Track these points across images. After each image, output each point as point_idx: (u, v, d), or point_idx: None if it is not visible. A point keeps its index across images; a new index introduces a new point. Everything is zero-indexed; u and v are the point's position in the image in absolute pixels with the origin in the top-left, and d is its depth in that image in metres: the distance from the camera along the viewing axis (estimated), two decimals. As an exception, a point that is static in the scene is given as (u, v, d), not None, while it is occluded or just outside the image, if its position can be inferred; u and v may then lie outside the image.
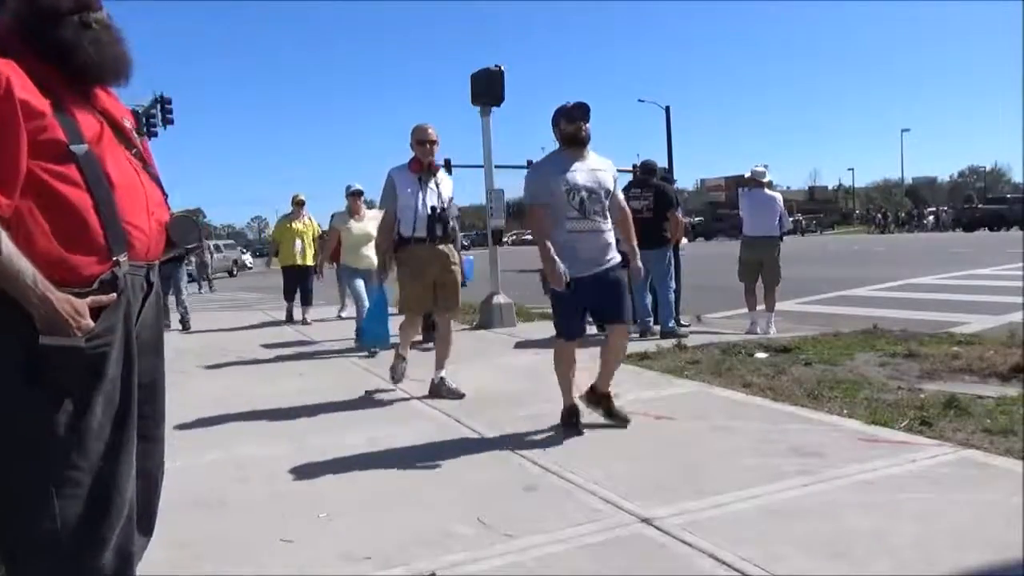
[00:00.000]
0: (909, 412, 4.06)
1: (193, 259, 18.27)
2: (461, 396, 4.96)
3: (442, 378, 5.16)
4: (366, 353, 6.82)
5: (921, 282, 12.44)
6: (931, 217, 48.47)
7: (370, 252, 6.94)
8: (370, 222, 7.07)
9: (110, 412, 1.71)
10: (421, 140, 5.15)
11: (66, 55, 1.68)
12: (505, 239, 11.50)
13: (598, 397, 4.24)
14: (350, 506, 3.14)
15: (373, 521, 2.96)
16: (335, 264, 10.11)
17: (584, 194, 4.03)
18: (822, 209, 66.19)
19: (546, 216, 4.05)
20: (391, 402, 5.15)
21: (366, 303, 6.88)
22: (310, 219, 10.72)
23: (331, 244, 7.50)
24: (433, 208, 5.07)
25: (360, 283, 7.33)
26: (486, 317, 8.94)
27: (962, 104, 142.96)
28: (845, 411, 4.21)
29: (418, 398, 5.15)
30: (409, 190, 5.07)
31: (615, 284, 4.12)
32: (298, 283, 10.37)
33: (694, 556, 2.52)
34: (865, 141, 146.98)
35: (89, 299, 1.64)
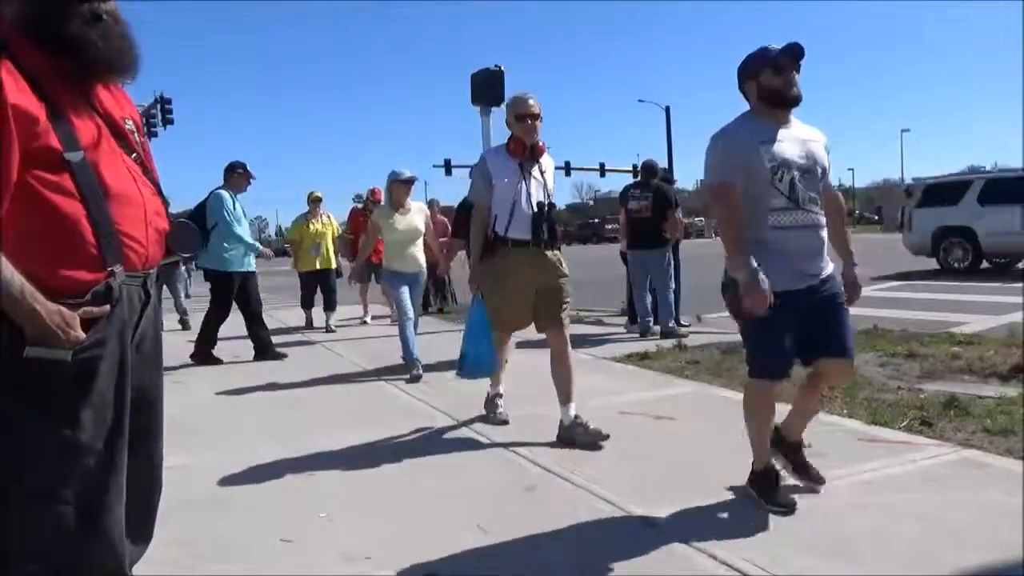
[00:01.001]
0: (909, 412, 4.06)
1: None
2: (605, 438, 3.73)
3: (574, 418, 3.84)
4: (410, 376, 5.77)
5: (921, 282, 12.44)
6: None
7: (418, 252, 6.04)
8: (416, 215, 6.01)
9: (101, 427, 1.66)
10: (522, 114, 3.94)
11: (73, 50, 1.62)
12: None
13: (786, 445, 3.15)
14: (350, 506, 3.14)
15: (373, 521, 2.96)
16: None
17: (796, 174, 2.82)
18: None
19: (739, 201, 2.82)
20: (391, 402, 5.15)
21: (410, 313, 5.94)
22: (329, 217, 9.82)
23: (372, 242, 6.25)
24: (540, 204, 3.97)
25: (406, 291, 6.00)
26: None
27: (962, 104, 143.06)
28: (845, 411, 4.21)
29: (418, 397, 5.15)
30: (507, 179, 3.97)
31: (834, 303, 3.01)
32: (319, 287, 9.57)
33: (694, 556, 2.52)
34: (865, 141, 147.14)
35: (81, 310, 1.60)
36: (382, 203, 6.31)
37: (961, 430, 3.74)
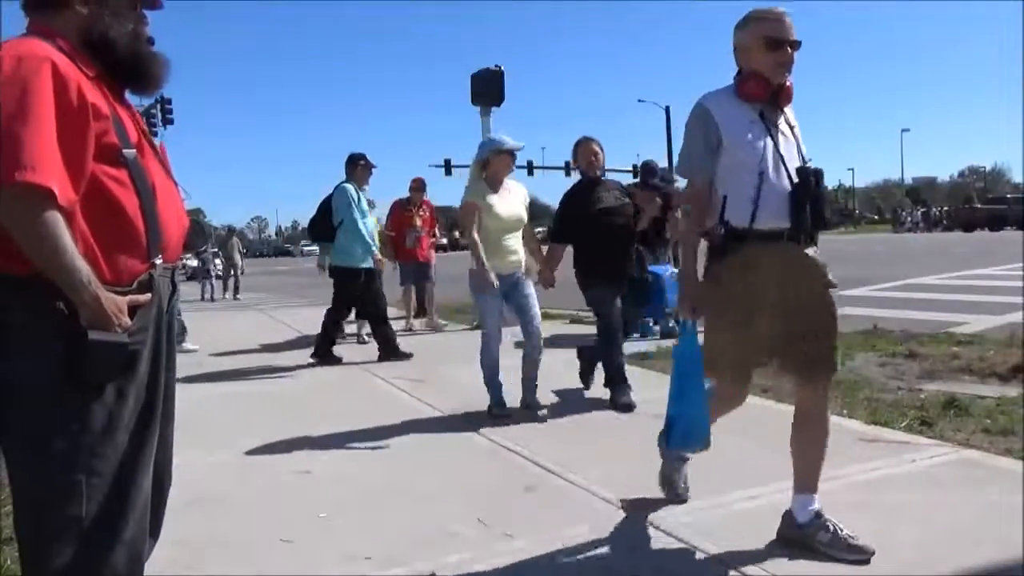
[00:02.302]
0: (909, 412, 4.06)
1: (206, 262, 17.59)
2: (867, 557, 2.44)
3: (815, 515, 2.54)
4: (490, 413, 4.59)
5: (921, 282, 12.43)
6: (914, 217, 48.00)
7: (520, 247, 4.66)
8: (518, 198, 4.70)
9: (137, 408, 1.76)
10: (776, 38, 2.56)
11: (126, 63, 1.78)
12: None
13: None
14: (350, 506, 3.14)
15: (373, 521, 2.96)
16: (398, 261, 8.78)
17: None
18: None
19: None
20: (392, 402, 5.15)
21: (499, 335, 4.58)
22: None
23: (468, 226, 4.57)
24: (804, 172, 2.55)
25: (499, 303, 4.56)
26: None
27: (962, 104, 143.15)
28: (845, 411, 4.21)
29: (418, 397, 5.15)
30: (749, 135, 2.54)
31: None
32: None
33: (694, 556, 2.52)
34: (865, 141, 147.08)
35: (128, 298, 1.69)
36: (474, 180, 4.65)
37: (961, 430, 3.74)
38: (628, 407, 4.58)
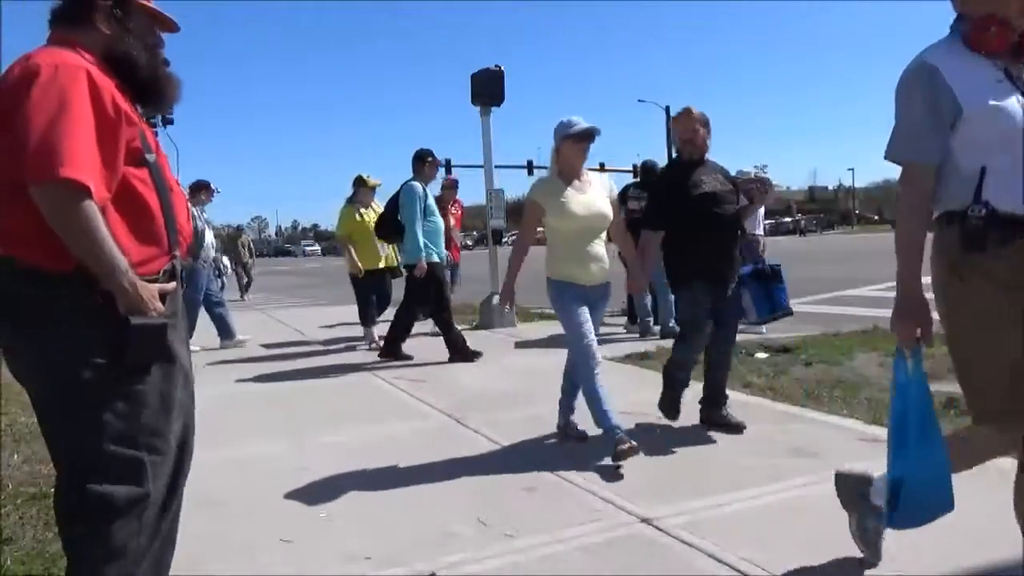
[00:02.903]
0: (909, 412, 4.05)
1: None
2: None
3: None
4: (616, 452, 3.45)
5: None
6: None
7: (602, 250, 3.84)
8: (599, 191, 3.83)
9: (187, 389, 1.95)
10: None
11: (147, 86, 1.96)
12: (505, 239, 11.17)
13: None
14: (350, 506, 3.14)
15: (373, 521, 2.96)
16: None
17: None
18: (822, 209, 66.24)
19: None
20: (392, 402, 5.15)
21: (598, 355, 3.70)
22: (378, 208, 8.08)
23: (528, 230, 3.91)
24: None
25: (587, 316, 3.73)
26: (486, 317, 8.94)
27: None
28: (845, 411, 4.21)
29: (418, 397, 5.15)
30: (997, 99, 1.96)
31: None
32: (375, 293, 7.83)
33: (694, 556, 2.52)
34: (865, 141, 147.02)
35: (158, 286, 1.84)
36: (548, 173, 3.95)
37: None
38: (739, 427, 3.98)
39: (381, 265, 7.69)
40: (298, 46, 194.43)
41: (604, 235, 3.85)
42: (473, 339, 7.93)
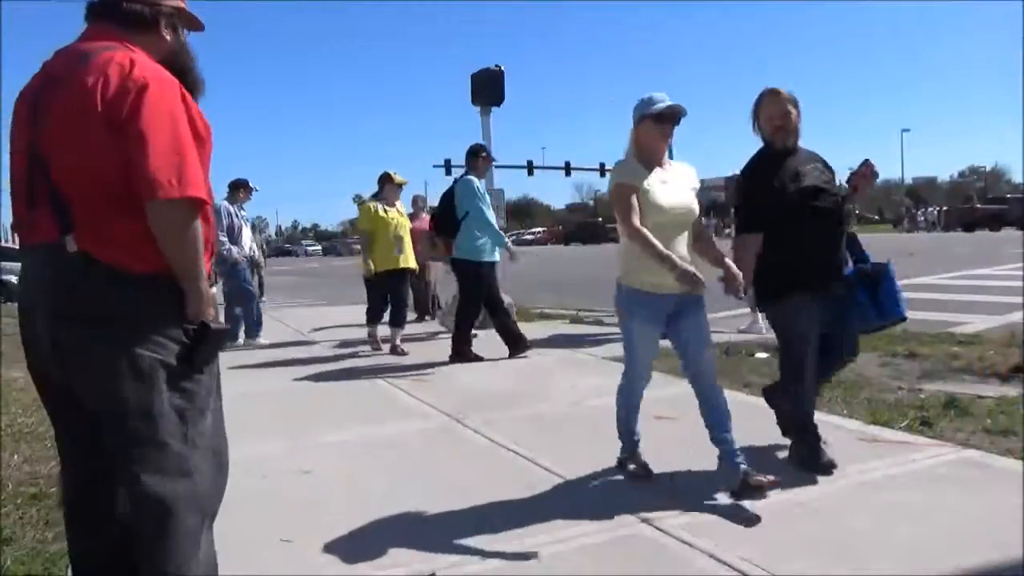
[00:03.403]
0: (909, 412, 4.06)
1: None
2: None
3: None
4: (628, 471, 3.47)
5: (921, 282, 12.43)
6: (928, 216, 47.58)
7: (686, 250, 3.21)
8: (682, 181, 3.26)
9: (218, 391, 2.02)
10: None
11: (194, 91, 2.00)
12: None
13: None
14: (350, 506, 3.14)
15: (373, 521, 2.96)
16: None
17: None
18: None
19: None
20: (392, 402, 5.15)
21: (647, 373, 3.52)
22: (402, 207, 7.84)
23: (625, 214, 3.11)
24: None
25: (655, 330, 3.38)
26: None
27: (962, 104, 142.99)
28: (845, 411, 4.21)
29: (418, 397, 5.15)
30: None
31: None
32: (389, 294, 7.44)
33: (694, 556, 2.52)
34: (865, 141, 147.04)
35: (212, 292, 1.94)
36: (625, 156, 3.28)
37: (961, 430, 3.74)
38: (828, 467, 3.24)
39: (401, 265, 7.32)
40: (297, 45, 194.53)
41: (687, 233, 3.21)
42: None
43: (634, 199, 3.07)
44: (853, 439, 3.69)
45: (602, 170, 36.58)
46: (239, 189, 8.29)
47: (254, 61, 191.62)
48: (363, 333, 7.84)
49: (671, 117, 3.15)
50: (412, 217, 9.80)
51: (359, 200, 8.93)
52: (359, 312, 9.36)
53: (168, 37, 1.97)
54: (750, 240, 3.41)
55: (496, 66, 9.36)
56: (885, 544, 2.53)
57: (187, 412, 1.84)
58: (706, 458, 3.25)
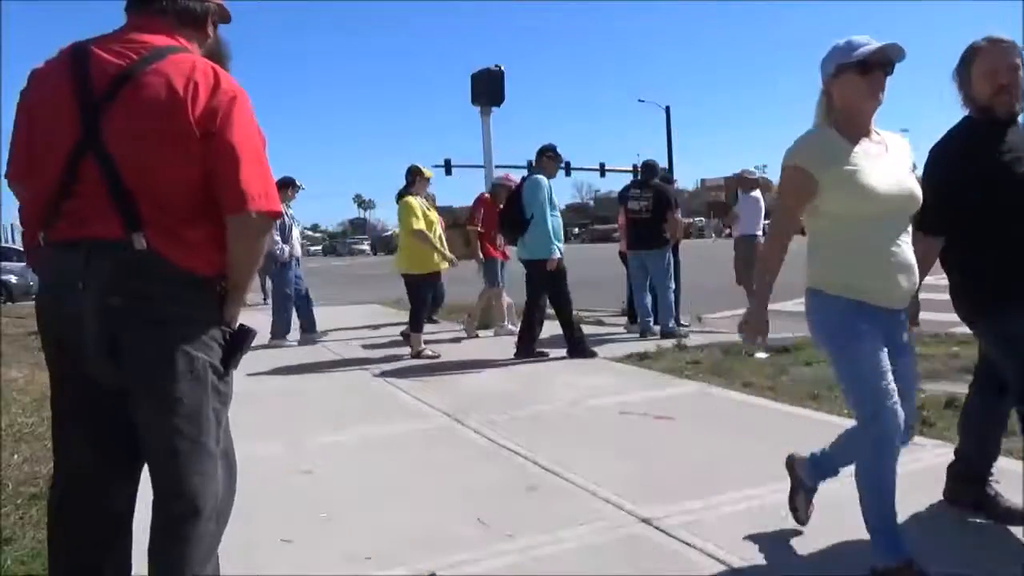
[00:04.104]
0: (909, 412, 4.06)
1: None
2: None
3: None
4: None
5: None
6: None
7: (910, 252, 2.37)
8: (896, 155, 2.38)
9: None
10: None
11: None
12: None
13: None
14: (350, 506, 3.14)
15: (373, 521, 2.96)
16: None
17: None
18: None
19: None
20: (391, 401, 5.15)
21: (902, 417, 2.37)
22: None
23: (792, 216, 2.41)
24: None
25: (885, 359, 2.27)
26: (486, 317, 8.94)
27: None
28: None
29: (418, 398, 5.15)
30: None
31: None
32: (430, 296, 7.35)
33: (694, 556, 2.52)
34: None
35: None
36: (814, 126, 2.41)
37: (961, 430, 3.73)
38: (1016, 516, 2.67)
39: (444, 266, 7.17)
40: (297, 45, 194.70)
41: (908, 227, 2.37)
42: (473, 339, 7.94)
43: (801, 190, 2.30)
44: (853, 439, 3.68)
45: (602, 170, 36.61)
46: (287, 187, 8.27)
47: (252, 60, 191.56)
48: (364, 333, 7.82)
49: (886, 62, 2.30)
50: None
51: (359, 200, 8.83)
52: (359, 312, 9.37)
53: (211, 34, 1.98)
54: (934, 244, 2.64)
55: (496, 66, 9.36)
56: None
57: (220, 415, 1.87)
58: (704, 454, 3.24)
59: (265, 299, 12.03)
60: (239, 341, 1.88)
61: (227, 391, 1.88)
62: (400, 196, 7.10)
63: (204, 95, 1.75)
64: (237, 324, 1.89)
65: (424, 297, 7.13)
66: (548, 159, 6.84)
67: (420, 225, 6.85)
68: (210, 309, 1.83)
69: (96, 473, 1.87)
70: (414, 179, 7.13)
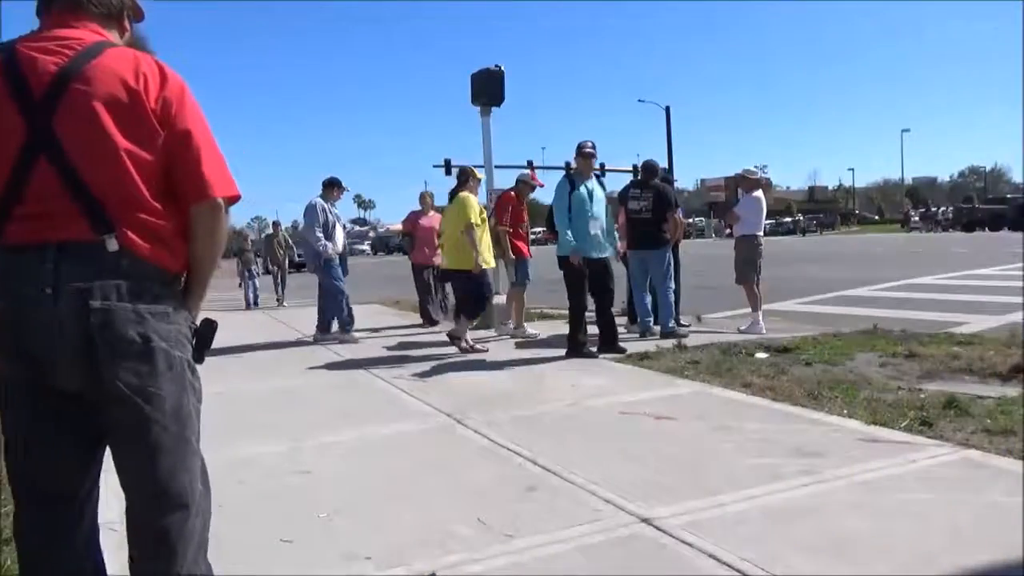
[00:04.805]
0: (909, 412, 4.06)
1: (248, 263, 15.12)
2: None
3: None
4: None
5: (921, 282, 12.44)
6: (945, 215, 47.39)
7: None
8: None
9: None
10: None
11: None
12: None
13: None
14: (350, 506, 3.14)
15: (373, 521, 2.96)
16: None
17: None
18: (822, 209, 66.32)
19: None
20: (391, 402, 5.15)
21: None
22: None
23: None
24: None
25: None
26: (486, 317, 8.93)
27: (962, 104, 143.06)
28: (845, 411, 4.21)
29: (418, 397, 5.15)
30: None
31: None
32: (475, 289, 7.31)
33: (694, 556, 2.52)
34: (865, 141, 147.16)
35: None
36: None
37: (961, 430, 3.74)
38: None
39: (491, 264, 7.34)
40: (297, 45, 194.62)
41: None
42: (473, 339, 7.94)
43: None
44: (853, 439, 3.69)
45: (602, 170, 36.51)
46: (333, 187, 8.48)
47: (252, 60, 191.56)
48: (365, 333, 7.80)
49: None
50: (420, 215, 9.80)
51: (359, 200, 8.94)
52: (360, 312, 9.37)
53: (128, 28, 1.94)
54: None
55: (496, 66, 9.35)
56: (885, 544, 2.53)
57: (198, 411, 1.87)
58: (704, 454, 3.24)
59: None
60: (206, 335, 1.88)
61: (199, 386, 1.87)
62: (454, 195, 7.31)
63: (155, 86, 1.74)
64: (207, 318, 1.90)
65: (473, 291, 7.14)
66: (578, 158, 6.88)
67: (475, 221, 7.04)
68: (179, 304, 1.82)
69: (63, 491, 1.81)
70: (467, 179, 7.37)
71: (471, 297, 7.13)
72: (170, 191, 1.77)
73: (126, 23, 1.94)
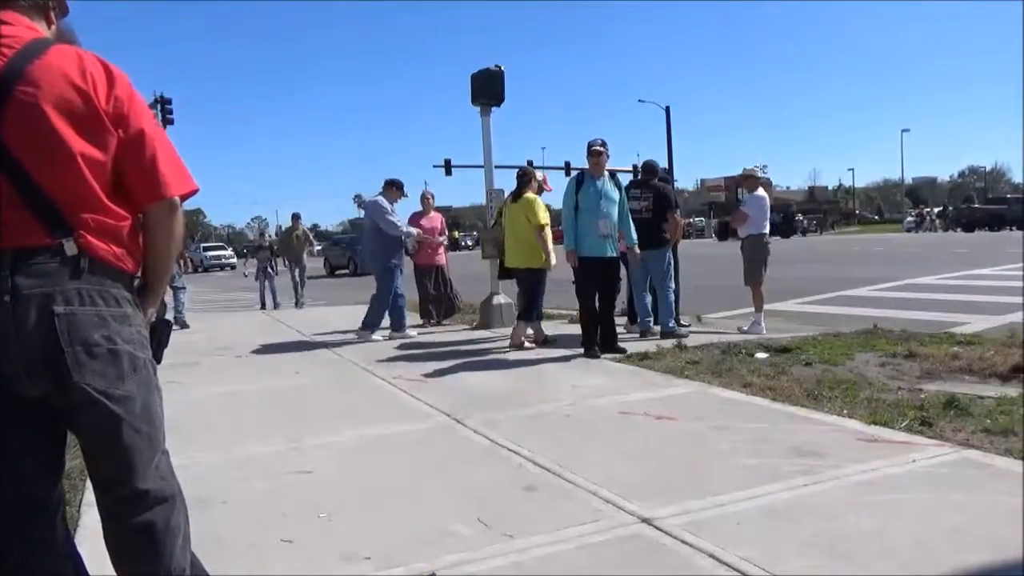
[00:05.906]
0: (909, 412, 4.06)
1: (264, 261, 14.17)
2: None
3: None
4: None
5: (921, 282, 12.44)
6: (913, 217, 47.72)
7: None
8: None
9: None
10: None
11: None
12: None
13: None
14: (350, 506, 3.14)
15: (373, 521, 2.96)
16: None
17: None
18: (822, 209, 66.34)
19: None
20: (391, 401, 5.15)
21: None
22: None
23: None
24: None
25: None
26: (486, 317, 8.94)
27: (962, 104, 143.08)
28: (845, 411, 4.21)
29: (418, 397, 5.15)
30: None
31: None
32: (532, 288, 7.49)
33: (694, 556, 2.52)
34: (865, 141, 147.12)
35: None
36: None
37: (961, 430, 3.74)
38: None
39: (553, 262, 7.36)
40: (297, 45, 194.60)
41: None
42: (473, 339, 7.94)
43: None
44: (853, 439, 3.69)
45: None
46: (392, 187, 8.51)
47: (253, 60, 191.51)
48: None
49: None
50: (421, 215, 9.79)
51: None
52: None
53: (54, 21, 1.89)
54: None
55: (496, 66, 9.35)
56: (885, 544, 2.52)
57: (161, 409, 1.87)
58: (704, 454, 3.24)
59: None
60: (162, 335, 1.89)
61: (159, 384, 1.88)
62: (517, 196, 7.42)
63: (104, 85, 1.70)
64: (162, 317, 1.92)
65: (541, 290, 7.38)
66: (589, 157, 6.89)
67: (544, 222, 7.23)
68: (136, 305, 1.82)
69: (35, 497, 1.79)
70: (530, 180, 7.51)
71: (534, 294, 7.31)
72: (121, 190, 1.74)
73: (52, 15, 1.87)
